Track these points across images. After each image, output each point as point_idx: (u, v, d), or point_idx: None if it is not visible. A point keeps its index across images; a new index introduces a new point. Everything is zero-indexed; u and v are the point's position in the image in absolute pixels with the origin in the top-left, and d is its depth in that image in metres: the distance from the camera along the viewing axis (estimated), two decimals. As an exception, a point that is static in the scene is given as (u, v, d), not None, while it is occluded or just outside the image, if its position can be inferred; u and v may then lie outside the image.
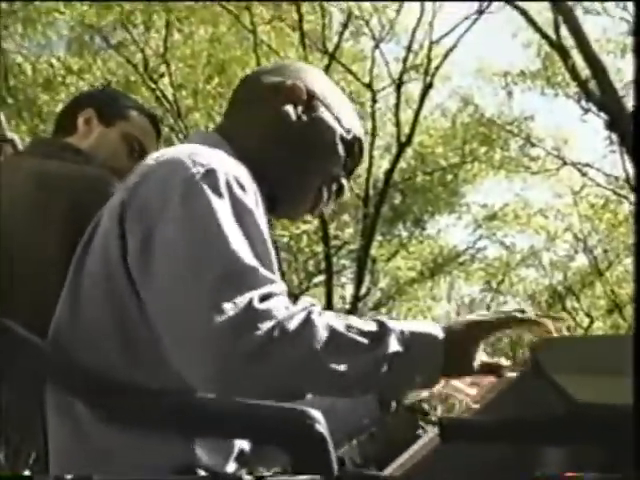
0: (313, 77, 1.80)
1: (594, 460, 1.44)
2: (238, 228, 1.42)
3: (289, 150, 1.69)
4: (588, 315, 17.86)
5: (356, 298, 14.69)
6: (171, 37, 14.52)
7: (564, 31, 12.60)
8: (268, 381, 1.37)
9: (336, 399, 1.73)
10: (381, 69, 15.32)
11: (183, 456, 1.48)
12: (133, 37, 14.66)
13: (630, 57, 14.62)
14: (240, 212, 1.45)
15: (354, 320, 1.44)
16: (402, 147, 14.21)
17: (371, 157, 14.21)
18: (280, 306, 1.37)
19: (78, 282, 1.55)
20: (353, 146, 1.77)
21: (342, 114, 1.77)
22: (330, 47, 14.43)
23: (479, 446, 1.48)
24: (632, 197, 15.32)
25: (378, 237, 16.36)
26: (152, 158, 1.57)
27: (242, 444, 1.58)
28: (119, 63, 15.07)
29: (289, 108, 1.72)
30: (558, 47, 12.98)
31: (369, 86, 14.65)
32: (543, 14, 13.55)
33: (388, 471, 1.66)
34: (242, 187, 1.48)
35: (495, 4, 14.05)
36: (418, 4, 14.40)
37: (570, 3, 12.37)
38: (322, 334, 1.38)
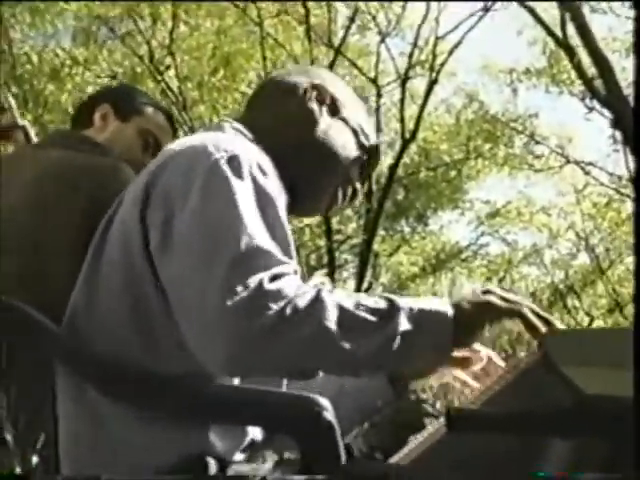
0: (335, 83, 1.83)
1: (599, 454, 1.45)
2: (257, 212, 1.44)
3: (311, 148, 1.70)
4: (589, 314, 17.86)
5: (358, 292, 14.69)
6: (177, 29, 14.52)
7: (570, 29, 12.60)
8: (279, 360, 1.39)
9: (346, 381, 1.75)
10: (386, 64, 15.33)
11: (194, 444, 1.49)
12: (139, 28, 14.66)
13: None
14: (261, 197, 1.46)
15: (364, 298, 1.45)
16: (406, 143, 14.21)
17: (375, 152, 14.20)
18: (290, 285, 1.39)
19: (96, 268, 1.57)
20: (370, 152, 1.80)
21: (361, 121, 1.80)
22: (336, 42, 14.43)
23: (485, 437, 1.48)
24: (634, 195, 15.32)
25: (381, 232, 16.37)
26: (175, 144, 1.59)
27: (254, 434, 1.59)
28: (125, 54, 15.07)
29: (315, 106, 1.74)
30: (564, 45, 12.97)
31: (374, 81, 14.65)
32: (549, 12, 13.54)
33: (394, 459, 1.66)
34: (264, 173, 1.50)
35: (501, 2, 14.06)
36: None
37: (577, 2, 12.36)
38: (332, 312, 1.39)
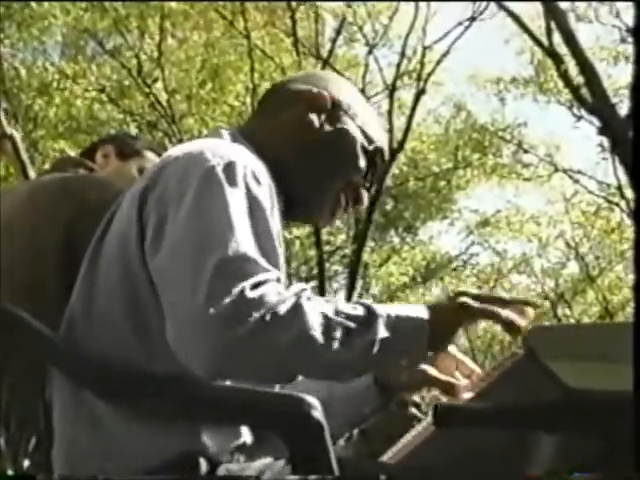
0: (340, 87, 1.83)
1: (586, 449, 1.46)
2: (247, 220, 1.47)
3: (308, 156, 1.71)
4: (579, 322, 17.87)
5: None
6: (165, 42, 14.54)
7: (556, 38, 12.65)
8: (260, 367, 1.42)
9: (334, 388, 1.76)
10: (374, 75, 15.37)
11: (186, 443, 1.50)
12: (127, 42, 14.67)
13: (622, 64, 14.69)
14: (252, 205, 1.49)
15: (342, 305, 1.48)
16: (395, 153, 14.23)
17: (364, 163, 14.22)
18: (271, 292, 1.41)
19: (93, 271, 1.59)
20: (375, 156, 1.79)
21: (366, 125, 1.79)
22: (324, 53, 14.46)
23: (474, 433, 1.50)
24: (623, 204, 15.37)
25: (370, 243, 16.37)
26: (173, 150, 1.62)
27: (246, 436, 1.60)
28: (113, 68, 15.07)
29: (312, 115, 1.75)
30: (551, 53, 13.03)
31: (362, 92, 14.67)
32: (536, 21, 13.61)
33: (385, 458, 1.67)
34: (258, 181, 1.52)
35: (488, 11, 14.12)
36: (411, 10, 14.44)
37: (564, 7, 12.44)
38: (312, 319, 1.42)
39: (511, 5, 13.26)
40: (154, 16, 14.22)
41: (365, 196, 1.80)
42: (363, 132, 1.78)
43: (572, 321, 17.75)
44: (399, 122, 14.86)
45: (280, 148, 1.70)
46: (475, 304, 1.53)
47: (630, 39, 13.69)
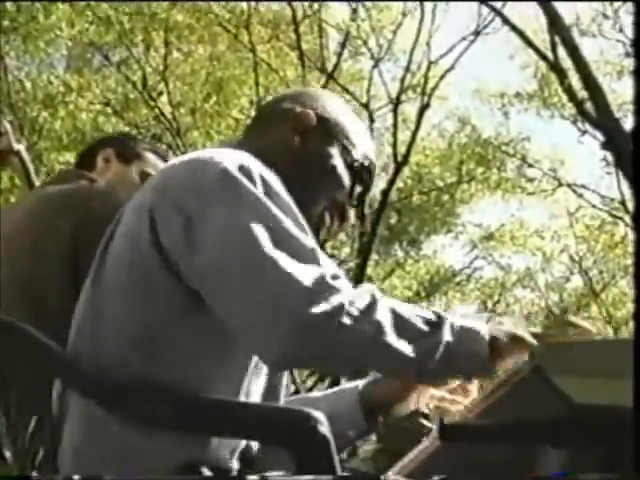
0: (327, 105, 1.83)
1: (592, 464, 1.47)
2: (283, 215, 1.49)
3: (291, 176, 1.69)
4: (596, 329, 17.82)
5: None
6: (170, 55, 14.57)
7: (560, 52, 12.67)
8: (333, 351, 1.44)
9: (317, 406, 1.76)
10: (378, 89, 15.39)
11: (190, 452, 1.51)
12: (133, 55, 14.70)
13: (626, 79, 14.70)
14: (279, 203, 1.51)
15: (412, 307, 1.54)
16: (399, 167, 14.24)
17: (368, 177, 14.22)
18: (347, 286, 1.45)
19: (98, 283, 1.59)
20: (361, 173, 1.80)
21: (354, 141, 1.79)
22: (329, 67, 14.48)
23: (479, 448, 1.50)
24: (627, 219, 15.36)
25: (374, 256, 16.37)
26: (175, 161, 1.63)
27: (248, 442, 1.60)
28: (118, 81, 15.10)
29: (294, 136, 1.76)
30: (555, 68, 13.04)
31: (366, 106, 14.69)
32: (539, 35, 13.63)
33: (391, 472, 1.68)
34: (273, 182, 1.55)
35: (492, 25, 14.13)
36: (415, 24, 14.47)
37: (568, 22, 12.45)
38: (387, 315, 1.47)
39: (515, 19, 13.30)
40: (159, 29, 14.26)
41: (351, 214, 1.81)
42: (348, 149, 1.78)
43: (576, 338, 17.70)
44: (403, 136, 14.87)
45: (272, 165, 1.67)
46: (529, 338, 1.57)
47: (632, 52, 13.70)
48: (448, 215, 18.14)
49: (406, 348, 1.46)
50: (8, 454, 1.58)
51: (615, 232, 16.76)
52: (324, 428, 1.43)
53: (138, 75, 14.59)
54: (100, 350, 1.55)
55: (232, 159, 1.54)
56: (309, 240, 1.49)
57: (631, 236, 15.53)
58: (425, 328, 1.50)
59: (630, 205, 14.43)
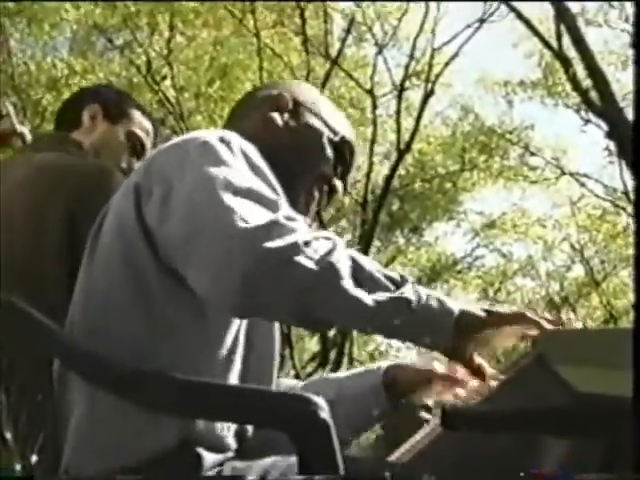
0: (301, 89, 1.92)
1: (593, 453, 1.47)
2: (252, 175, 1.51)
3: (276, 154, 1.72)
4: (584, 326, 17.84)
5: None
6: (174, 39, 14.54)
7: (565, 41, 12.64)
8: (288, 292, 1.41)
9: (343, 389, 1.77)
10: (382, 76, 15.36)
11: (187, 432, 1.53)
12: (137, 39, 14.68)
13: (631, 69, 14.66)
14: (255, 170, 1.53)
15: (376, 263, 1.53)
16: (402, 154, 14.22)
17: (371, 163, 14.23)
18: (303, 228, 1.44)
19: (91, 264, 1.62)
20: (342, 147, 1.85)
21: (330, 119, 1.86)
22: (333, 53, 14.45)
23: (480, 436, 1.50)
24: (630, 209, 15.34)
25: (376, 243, 16.37)
26: (164, 144, 1.65)
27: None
28: (122, 64, 15.08)
29: (275, 115, 1.82)
30: (560, 56, 13.01)
31: (370, 92, 14.67)
32: (545, 24, 13.59)
33: (392, 457, 1.68)
34: (255, 154, 1.58)
35: (497, 13, 14.10)
36: (420, 11, 14.44)
37: (574, 11, 12.42)
38: (346, 261, 1.44)
39: (521, 7, 13.25)
40: (164, 13, 14.23)
41: (339, 185, 1.84)
42: (327, 125, 1.83)
43: (576, 325, 17.74)
44: (407, 123, 14.85)
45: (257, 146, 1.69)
46: (505, 312, 1.58)
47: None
48: (450, 203, 18.11)
49: (363, 296, 1.43)
50: (9, 436, 1.58)
51: (617, 222, 16.74)
52: (324, 413, 1.42)
53: (142, 59, 14.57)
54: (92, 331, 1.57)
55: (215, 133, 1.58)
56: (272, 194, 1.48)
57: (633, 226, 15.52)
58: (386, 282, 1.49)
59: (633, 195, 14.41)
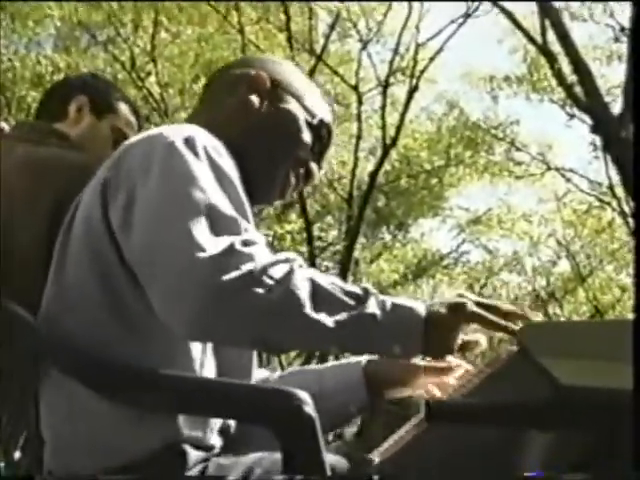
0: (279, 68, 1.86)
1: (578, 446, 1.47)
2: (216, 184, 1.49)
3: (253, 136, 1.72)
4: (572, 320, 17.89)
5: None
6: (159, 36, 14.51)
7: (550, 36, 12.66)
8: (246, 322, 1.40)
9: (324, 384, 1.76)
10: (367, 71, 15.35)
11: (171, 431, 1.51)
12: (121, 35, 14.64)
13: (616, 64, 14.71)
14: (219, 175, 1.51)
15: (338, 281, 1.48)
16: (387, 150, 14.23)
17: (356, 159, 14.24)
18: (261, 252, 1.41)
19: (62, 261, 1.60)
20: (320, 130, 1.81)
21: (308, 101, 1.81)
22: (317, 49, 14.44)
23: (466, 430, 1.49)
24: (615, 204, 15.38)
25: (361, 239, 16.37)
26: (132, 139, 1.64)
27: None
28: (106, 61, 15.04)
29: (252, 96, 1.78)
30: (545, 51, 13.03)
31: (355, 88, 14.66)
32: (529, 19, 13.62)
33: (376, 453, 1.68)
34: (220, 154, 1.55)
35: (482, 8, 14.11)
36: (405, 7, 14.43)
37: (558, 6, 12.45)
38: (305, 284, 1.42)
39: (505, 3, 13.28)
40: (148, 9, 14.19)
41: (315, 170, 1.82)
42: (305, 108, 1.80)
43: (563, 319, 17.79)
44: (392, 119, 14.85)
45: (225, 132, 1.68)
46: (473, 306, 1.52)
47: (624, 38, 13.72)
48: (436, 199, 18.13)
49: (323, 319, 1.41)
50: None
51: (602, 217, 16.80)
52: (309, 408, 1.41)
53: (126, 55, 14.53)
54: (67, 325, 1.56)
55: (180, 133, 1.55)
56: (233, 213, 1.46)
57: (619, 221, 15.59)
58: (347, 300, 1.45)
59: (618, 190, 14.45)
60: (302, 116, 1.79)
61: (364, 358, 1.87)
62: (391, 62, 14.67)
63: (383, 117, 14.40)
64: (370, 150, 16.91)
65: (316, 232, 15.45)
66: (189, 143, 1.52)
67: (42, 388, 1.57)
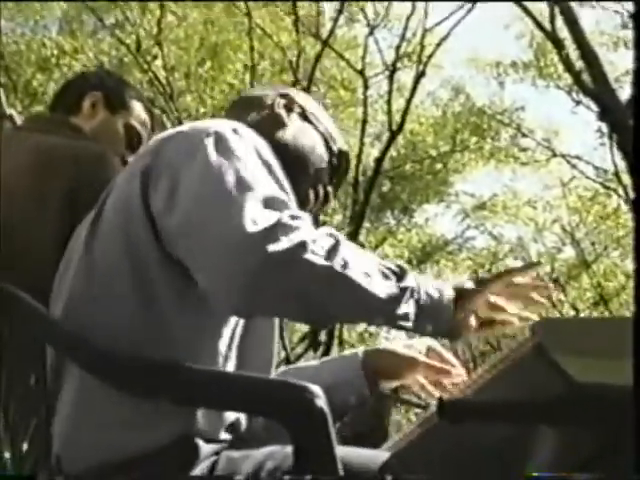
0: (300, 95, 1.93)
1: (590, 445, 1.46)
2: (263, 169, 1.51)
3: (281, 150, 1.70)
4: (574, 307, 17.88)
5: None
6: (165, 19, 14.47)
7: (557, 22, 12.61)
8: (294, 291, 1.41)
9: (322, 376, 1.76)
10: (374, 56, 15.31)
11: (182, 424, 1.51)
12: (128, 18, 14.60)
13: (623, 50, 14.66)
14: (264, 160, 1.53)
15: (377, 257, 1.53)
16: (393, 135, 14.18)
17: (361, 144, 14.19)
18: (308, 225, 1.43)
19: (90, 252, 1.59)
20: (340, 158, 1.88)
21: (329, 127, 1.88)
22: (324, 33, 14.39)
23: (476, 427, 1.48)
24: (620, 190, 15.35)
25: (366, 224, 16.35)
26: (170, 130, 1.64)
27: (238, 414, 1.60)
28: (112, 44, 15.01)
29: (283, 111, 1.82)
30: (553, 38, 12.98)
31: (361, 73, 14.62)
32: (537, 5, 13.56)
33: (384, 447, 1.67)
34: (264, 146, 1.58)
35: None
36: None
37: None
38: (350, 256, 1.44)
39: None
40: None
41: (332, 196, 1.86)
42: (328, 132, 1.86)
43: (567, 306, 17.78)
44: (397, 104, 14.81)
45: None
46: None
47: (631, 25, 13.65)
48: (441, 184, 18.10)
49: (375, 289, 1.45)
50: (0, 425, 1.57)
51: (608, 204, 16.76)
52: (321, 402, 1.41)
53: (132, 38, 14.49)
54: (95, 315, 1.56)
55: (228, 124, 1.58)
56: (281, 193, 1.48)
57: (624, 208, 15.55)
58: (390, 273, 1.50)
59: (624, 177, 14.42)
60: (324, 139, 1.84)
61: (360, 350, 1.89)
62: (398, 47, 14.62)
63: (389, 102, 14.36)
64: (376, 135, 16.88)
65: (322, 217, 15.43)
66: (237, 132, 1.55)
67: (52, 377, 1.56)
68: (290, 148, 1.77)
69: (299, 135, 1.81)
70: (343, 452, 1.46)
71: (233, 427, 1.60)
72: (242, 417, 1.62)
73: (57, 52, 14.58)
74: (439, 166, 17.34)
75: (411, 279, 1.52)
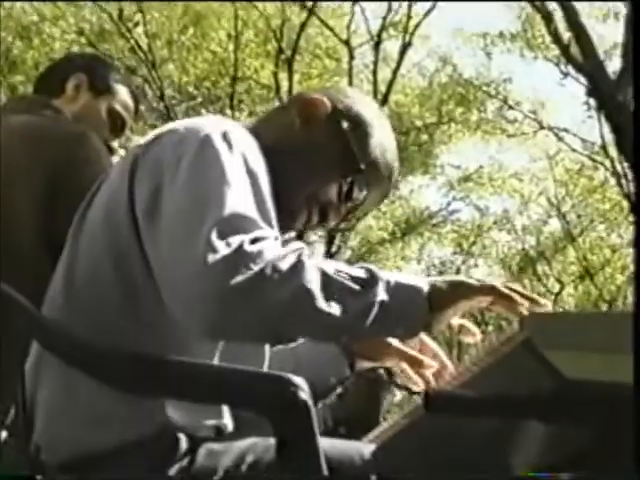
0: (351, 99, 1.76)
1: (579, 441, 1.44)
2: (244, 182, 1.47)
3: (279, 159, 1.62)
4: (559, 281, 17.98)
5: (327, 256, 14.71)
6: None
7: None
8: (258, 320, 1.40)
9: (301, 358, 1.74)
10: (359, 26, 15.25)
11: (162, 415, 1.49)
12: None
13: (612, 22, 14.65)
14: (249, 170, 1.50)
15: (343, 266, 1.48)
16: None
17: (347, 115, 14.14)
18: (271, 248, 1.40)
19: (75, 247, 1.59)
20: (360, 180, 1.72)
21: (365, 145, 1.72)
22: (309, 1, 14.32)
23: (463, 420, 1.47)
24: (607, 163, 15.38)
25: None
26: (169, 124, 1.62)
27: (226, 416, 1.59)
28: (93, 10, 14.88)
29: (296, 120, 1.71)
30: (541, 10, 12.95)
31: (347, 42, 14.57)
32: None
33: (369, 438, 1.66)
34: (254, 153, 1.54)
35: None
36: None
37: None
38: (313, 275, 1.41)
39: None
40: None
41: (331, 216, 1.74)
42: (352, 152, 1.70)
43: (552, 279, 17.89)
44: (383, 74, 14.77)
45: (267, 145, 1.62)
46: (475, 282, 1.54)
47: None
48: (426, 156, 18.10)
49: (335, 310, 1.41)
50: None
51: (594, 177, 16.82)
52: (304, 394, 1.39)
53: (113, 5, 14.37)
54: (76, 310, 1.55)
55: (219, 126, 1.54)
56: (253, 210, 1.45)
57: (611, 181, 15.59)
58: (356, 287, 1.45)
59: (611, 150, 14.43)
60: (346, 161, 1.70)
61: None
62: (384, 17, 14.57)
63: (375, 73, 14.32)
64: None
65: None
66: (226, 137, 1.51)
67: (31, 366, 1.55)
68: (293, 160, 1.67)
69: (307, 149, 1.69)
70: (327, 445, 1.44)
71: (219, 429, 1.58)
72: (229, 420, 1.59)
73: (37, 18, 14.46)
74: (424, 137, 17.33)
75: (379, 288, 1.46)
